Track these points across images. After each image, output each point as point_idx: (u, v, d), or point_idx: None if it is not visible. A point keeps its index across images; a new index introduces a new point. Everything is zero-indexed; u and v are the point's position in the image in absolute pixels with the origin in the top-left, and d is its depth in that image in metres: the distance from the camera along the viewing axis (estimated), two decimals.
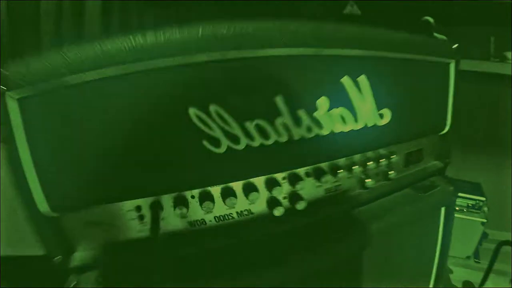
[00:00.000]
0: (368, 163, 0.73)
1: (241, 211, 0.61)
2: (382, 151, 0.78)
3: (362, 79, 0.63)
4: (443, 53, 0.84)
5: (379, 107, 0.67)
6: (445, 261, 1.07)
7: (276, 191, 0.60)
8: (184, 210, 0.55)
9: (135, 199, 0.53)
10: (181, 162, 0.52)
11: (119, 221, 0.54)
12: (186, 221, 0.58)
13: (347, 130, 0.64)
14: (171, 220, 0.57)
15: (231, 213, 0.61)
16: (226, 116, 0.51)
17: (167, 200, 0.55)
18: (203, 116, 0.50)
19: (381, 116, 0.69)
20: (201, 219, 0.59)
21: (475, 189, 1.86)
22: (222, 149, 0.53)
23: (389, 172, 0.79)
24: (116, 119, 0.47)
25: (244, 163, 0.56)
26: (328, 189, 0.71)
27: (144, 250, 0.54)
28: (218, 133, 0.52)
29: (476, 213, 1.76)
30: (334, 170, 0.68)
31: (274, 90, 0.54)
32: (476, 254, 1.78)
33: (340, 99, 0.61)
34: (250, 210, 0.62)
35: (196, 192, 0.57)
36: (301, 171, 0.65)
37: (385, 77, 0.68)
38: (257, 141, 0.55)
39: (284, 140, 0.57)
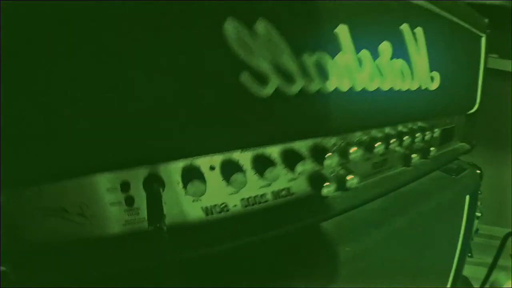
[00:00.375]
0: (416, 135, 0.59)
1: (278, 191, 0.42)
2: (425, 124, 0.65)
3: (419, 31, 0.52)
4: (476, 25, 0.74)
5: (431, 68, 0.56)
6: (465, 257, 0.97)
7: (327, 161, 0.42)
8: (201, 186, 0.34)
9: (119, 169, 0.32)
10: (199, 108, 0.32)
11: (95, 206, 0.32)
12: (200, 207, 0.37)
13: (404, 89, 0.50)
14: (175, 205, 0.36)
15: (265, 194, 0.41)
16: (278, 39, 0.33)
17: (170, 172, 0.34)
18: (245, 33, 0.31)
19: (432, 79, 0.57)
20: (223, 204, 0.38)
21: None
22: (268, 90, 0.34)
23: (431, 148, 0.65)
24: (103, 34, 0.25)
25: (295, 116, 0.37)
26: (376, 164, 0.54)
27: (136, 255, 0.33)
28: (264, 65, 0.33)
29: None
30: (386, 139, 0.52)
31: (339, 18, 0.38)
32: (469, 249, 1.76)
33: (400, 48, 0.49)
34: (289, 189, 0.43)
35: (218, 159, 0.36)
36: (354, 136, 0.48)
37: (436, 35, 0.57)
38: (316, 84, 0.36)
39: (345, 88, 0.40)
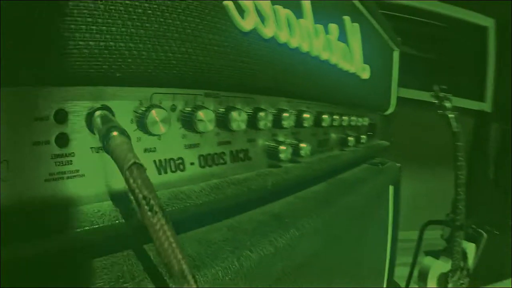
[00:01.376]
0: (351, 118, 0.63)
1: (237, 152, 0.39)
2: (356, 112, 0.71)
3: (356, 26, 0.61)
4: (392, 39, 0.88)
5: (364, 60, 0.65)
6: (395, 254, 1.06)
7: (285, 122, 0.41)
8: (159, 125, 0.29)
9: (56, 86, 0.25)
10: (167, 32, 0.28)
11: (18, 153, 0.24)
12: (152, 160, 0.31)
13: (344, 69, 0.55)
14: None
15: (224, 153, 0.37)
16: None
17: (121, 107, 0.28)
18: None
19: (364, 69, 0.64)
20: (179, 159, 0.33)
21: None
22: (248, 24, 0.32)
23: (361, 136, 0.71)
24: None
25: (264, 65, 0.36)
26: (320, 142, 0.56)
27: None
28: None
29: None
30: (330, 115, 0.54)
31: None
32: None
33: (343, 34, 0.56)
34: (247, 152, 0.40)
35: (180, 100, 0.32)
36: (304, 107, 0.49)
37: (366, 35, 0.66)
38: (285, 35, 0.37)
39: (304, 50, 0.41)
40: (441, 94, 1.15)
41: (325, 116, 0.51)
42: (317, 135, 0.54)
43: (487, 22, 2.46)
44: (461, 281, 1.21)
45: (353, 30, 0.57)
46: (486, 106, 2.52)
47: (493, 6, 2.41)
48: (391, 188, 0.94)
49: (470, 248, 1.26)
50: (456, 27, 2.48)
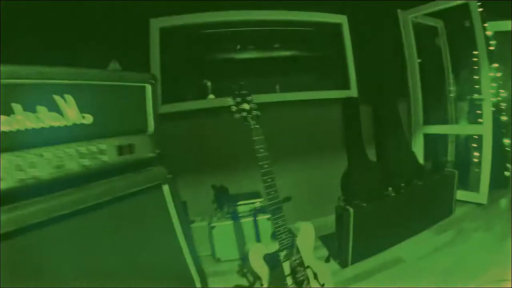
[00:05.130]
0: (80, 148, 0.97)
1: None
2: (95, 143, 1.06)
3: (69, 96, 0.98)
4: (138, 80, 1.23)
5: (82, 111, 1.00)
6: (193, 246, 1.37)
7: None
8: None
9: None
10: None
11: None
12: None
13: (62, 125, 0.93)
14: None
15: None
16: None
17: None
18: None
19: (84, 117, 1.00)
20: None
21: (254, 196, 2.41)
22: None
23: (102, 156, 1.03)
24: None
25: None
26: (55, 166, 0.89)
27: None
28: None
29: (264, 213, 2.30)
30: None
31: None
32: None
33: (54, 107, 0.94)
34: None
35: None
36: None
37: (86, 94, 1.03)
38: None
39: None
40: (240, 97, 1.44)
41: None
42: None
43: (340, 19, 2.93)
44: (294, 258, 1.46)
45: (65, 99, 0.96)
46: (352, 92, 2.96)
47: (343, 4, 2.88)
48: (165, 187, 1.28)
49: (305, 227, 1.53)
50: (317, 28, 2.92)
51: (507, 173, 2.88)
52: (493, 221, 2.19)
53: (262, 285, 1.39)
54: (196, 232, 2.31)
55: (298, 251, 1.48)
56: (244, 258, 1.36)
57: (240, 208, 2.32)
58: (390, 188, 2.36)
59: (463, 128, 3.39)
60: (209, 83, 2.65)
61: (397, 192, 2.33)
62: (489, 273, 1.72)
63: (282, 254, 1.45)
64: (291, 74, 2.88)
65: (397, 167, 2.94)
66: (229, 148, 2.53)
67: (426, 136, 3.27)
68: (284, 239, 1.45)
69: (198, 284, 1.36)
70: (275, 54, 2.84)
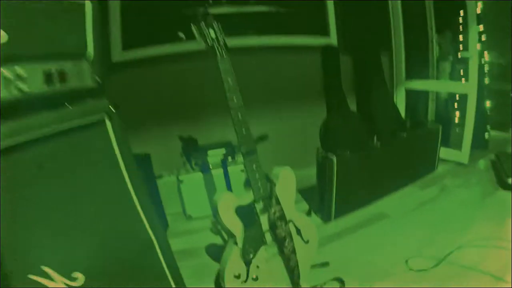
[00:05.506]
0: None
1: None
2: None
3: None
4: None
5: None
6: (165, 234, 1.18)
7: None
8: None
9: None
10: None
11: None
12: None
13: None
14: None
15: None
16: None
17: None
18: None
19: None
20: None
21: (225, 145, 2.13)
22: None
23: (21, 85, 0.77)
24: None
25: None
26: None
27: None
28: None
29: (235, 163, 2.05)
30: None
31: None
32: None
33: None
34: None
35: None
36: None
37: None
38: None
39: None
40: (205, 21, 1.11)
41: None
42: None
43: None
44: (274, 210, 1.21)
45: None
46: (331, 39, 2.68)
47: None
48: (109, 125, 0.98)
49: (284, 173, 1.26)
50: None
51: (487, 135, 2.83)
52: (474, 179, 2.15)
53: (236, 243, 1.15)
54: (164, 188, 2.04)
55: (277, 202, 1.22)
56: (214, 212, 1.09)
57: (210, 159, 2.04)
58: (375, 139, 2.17)
59: (448, 85, 3.23)
60: (183, 36, 2.26)
61: (383, 143, 2.14)
62: (475, 229, 1.64)
63: (259, 206, 1.19)
64: (267, 18, 2.51)
65: (380, 118, 2.75)
66: (198, 96, 2.23)
67: (408, 92, 3.10)
68: (260, 188, 1.18)
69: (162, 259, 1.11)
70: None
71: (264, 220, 1.20)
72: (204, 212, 2.03)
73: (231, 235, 1.17)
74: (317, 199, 1.98)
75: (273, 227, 1.21)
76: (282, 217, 1.22)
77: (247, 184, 1.18)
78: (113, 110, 1.05)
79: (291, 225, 1.26)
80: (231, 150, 2.08)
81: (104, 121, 1.02)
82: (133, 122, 2.09)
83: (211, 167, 2.03)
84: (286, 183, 1.26)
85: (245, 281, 1.17)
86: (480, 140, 2.66)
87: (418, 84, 3.05)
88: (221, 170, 2.00)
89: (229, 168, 2.00)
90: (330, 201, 1.88)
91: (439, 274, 1.41)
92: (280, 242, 1.22)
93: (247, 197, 1.17)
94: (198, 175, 2.00)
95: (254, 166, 1.15)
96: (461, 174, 2.27)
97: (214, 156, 2.05)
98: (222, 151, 2.07)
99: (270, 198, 1.21)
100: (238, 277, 1.15)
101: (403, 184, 2.27)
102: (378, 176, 2.10)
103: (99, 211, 0.98)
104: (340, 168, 1.83)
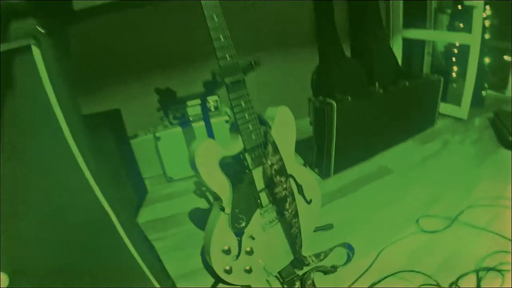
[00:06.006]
0: None
1: None
2: None
3: None
4: None
5: None
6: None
7: None
8: None
9: None
10: None
11: None
12: None
13: None
14: None
15: None
16: None
17: None
18: None
19: None
20: None
21: (207, 95, 1.80)
22: None
23: None
24: None
25: None
26: None
27: None
28: None
29: (219, 113, 1.75)
30: None
31: None
32: None
33: None
34: None
35: None
36: None
37: None
38: None
39: None
40: None
41: None
42: None
43: None
44: (270, 161, 0.89)
45: None
46: None
47: None
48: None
49: (282, 113, 0.96)
50: None
51: (484, 93, 2.64)
52: (474, 136, 1.97)
53: (222, 208, 0.87)
54: (140, 149, 1.72)
55: (275, 151, 0.91)
56: (193, 167, 0.77)
57: (190, 110, 1.72)
58: (377, 85, 1.89)
59: (450, 35, 2.93)
60: None
61: (385, 90, 1.87)
62: (481, 187, 1.46)
63: (250, 157, 0.90)
64: None
65: (378, 66, 2.46)
66: (175, 44, 1.86)
67: (405, 41, 2.79)
68: (251, 132, 0.88)
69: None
70: None
71: (258, 176, 0.91)
72: (186, 172, 1.74)
73: (216, 198, 0.88)
74: (314, 152, 1.71)
75: (270, 184, 0.92)
76: (282, 170, 0.93)
77: (234, 129, 0.88)
78: (42, 31, 0.71)
79: (292, 182, 0.98)
80: (210, 88, 1.75)
81: (29, 49, 0.68)
82: (101, 76, 1.75)
83: (191, 120, 1.71)
84: (285, 125, 0.96)
85: (237, 256, 0.90)
86: (476, 97, 2.49)
87: (417, 34, 2.75)
88: (203, 123, 1.69)
89: (212, 120, 1.68)
90: (329, 154, 1.61)
91: (451, 236, 1.22)
92: (279, 203, 0.95)
93: (235, 146, 0.87)
94: (177, 130, 1.68)
95: (242, 102, 0.84)
96: (460, 131, 2.09)
97: (195, 107, 1.72)
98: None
99: (265, 145, 0.90)
100: (227, 252, 0.88)
101: (403, 138, 2.05)
102: (379, 127, 1.84)
103: (28, 179, 0.67)
104: (341, 115, 1.55)
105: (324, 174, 1.68)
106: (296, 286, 1.04)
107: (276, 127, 0.92)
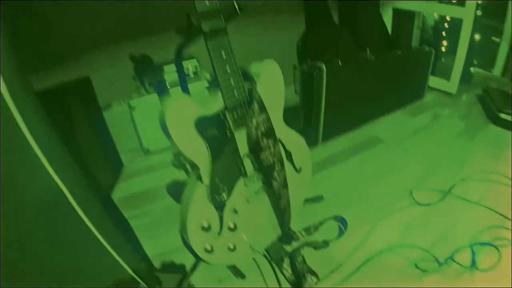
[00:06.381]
0: None
1: None
2: None
3: None
4: None
5: None
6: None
7: None
8: None
9: None
10: None
11: None
12: None
13: None
14: None
15: None
16: None
17: None
18: None
19: None
20: None
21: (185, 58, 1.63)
22: None
23: None
24: None
25: None
26: None
27: None
28: None
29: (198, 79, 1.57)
30: None
31: None
32: None
33: None
34: None
35: None
36: None
37: None
38: None
39: None
40: None
41: None
42: None
43: None
44: (256, 121, 0.75)
45: None
46: None
47: None
48: None
49: (268, 67, 0.80)
50: None
51: (472, 69, 2.57)
52: (463, 111, 1.90)
53: (200, 178, 0.73)
54: (114, 120, 1.54)
55: (261, 110, 0.76)
56: (164, 128, 0.62)
57: (168, 76, 1.54)
58: (368, 51, 1.76)
59: (442, 7, 2.79)
60: None
61: (377, 57, 1.73)
62: (473, 161, 1.39)
63: (232, 116, 0.75)
64: None
65: (368, 34, 2.32)
66: (151, 3, 1.65)
67: (395, 13, 2.65)
68: (233, 88, 0.72)
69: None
70: None
71: (241, 140, 0.77)
72: (164, 142, 1.59)
73: (193, 166, 0.74)
74: (301, 119, 1.58)
75: (256, 149, 0.78)
76: (270, 132, 0.78)
77: (213, 85, 0.72)
78: None
79: (280, 147, 0.85)
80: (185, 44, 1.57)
81: None
82: (71, 45, 1.54)
83: (168, 86, 1.53)
84: (272, 82, 0.80)
85: (219, 233, 0.78)
86: (465, 74, 2.42)
87: (408, 4, 2.61)
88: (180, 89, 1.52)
89: (191, 86, 1.51)
90: (317, 120, 1.48)
91: (445, 209, 1.14)
92: (266, 172, 0.81)
93: (214, 104, 0.72)
94: (153, 98, 1.51)
95: (223, 53, 0.68)
96: (449, 105, 2.01)
97: (173, 73, 1.55)
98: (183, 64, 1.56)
99: (249, 103, 0.75)
100: (207, 229, 0.75)
101: (393, 108, 1.94)
102: (369, 94, 1.73)
103: None
104: (331, 79, 1.42)
105: (311, 141, 1.56)
106: (285, 264, 0.93)
107: (262, 83, 0.77)
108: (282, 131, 0.85)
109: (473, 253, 0.92)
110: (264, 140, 0.77)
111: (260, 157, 0.78)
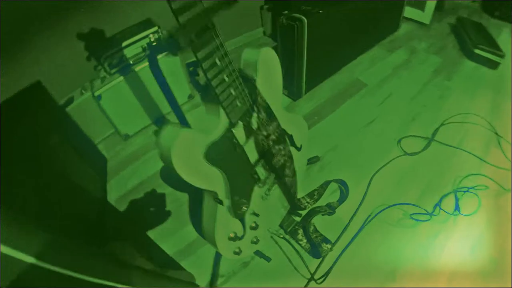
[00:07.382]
0: None
1: None
2: None
3: None
4: None
5: None
6: None
7: None
8: None
9: None
10: None
11: None
12: None
13: None
14: None
15: None
16: None
17: None
18: None
19: None
20: None
21: (145, 26, 1.39)
22: None
23: None
24: None
25: None
26: None
27: None
28: None
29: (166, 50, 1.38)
30: None
31: None
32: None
33: None
34: None
35: None
36: None
37: None
38: None
39: None
40: None
41: None
42: None
43: None
44: (266, 131, 0.69)
45: None
46: None
47: None
48: None
49: (265, 55, 0.68)
50: None
51: None
52: (439, 44, 1.83)
53: (219, 201, 0.68)
54: (81, 112, 1.35)
55: (271, 119, 0.70)
56: (168, 166, 0.54)
57: (128, 52, 1.33)
58: None
59: None
60: None
61: None
62: (451, 102, 1.41)
63: (238, 131, 0.67)
64: None
65: None
66: None
67: None
68: (234, 98, 0.63)
69: None
70: None
71: (250, 148, 0.71)
72: (142, 122, 1.46)
73: (208, 192, 0.68)
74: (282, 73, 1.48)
75: (267, 155, 0.73)
76: (281, 138, 0.73)
77: (208, 98, 0.62)
78: None
79: (288, 143, 0.79)
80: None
81: None
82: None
83: (132, 63, 1.34)
84: (270, 71, 0.71)
85: (244, 235, 0.76)
86: (438, 2, 2.27)
87: None
88: (147, 63, 1.35)
89: (159, 57, 1.34)
90: (300, 73, 1.40)
91: (431, 156, 1.19)
92: (278, 171, 0.78)
93: (217, 125, 0.63)
94: (118, 81, 1.32)
95: (217, 61, 0.57)
96: (424, 37, 1.92)
97: (133, 46, 1.33)
98: (143, 34, 1.35)
99: (252, 108, 0.67)
100: (234, 238, 0.73)
101: (370, 45, 1.84)
102: (348, 36, 1.60)
103: None
104: (312, 30, 1.30)
105: (295, 95, 1.50)
106: (300, 235, 0.97)
107: (261, 76, 0.68)
108: (284, 119, 0.78)
109: (456, 199, 0.99)
110: (276, 146, 0.71)
111: (272, 162, 0.73)
